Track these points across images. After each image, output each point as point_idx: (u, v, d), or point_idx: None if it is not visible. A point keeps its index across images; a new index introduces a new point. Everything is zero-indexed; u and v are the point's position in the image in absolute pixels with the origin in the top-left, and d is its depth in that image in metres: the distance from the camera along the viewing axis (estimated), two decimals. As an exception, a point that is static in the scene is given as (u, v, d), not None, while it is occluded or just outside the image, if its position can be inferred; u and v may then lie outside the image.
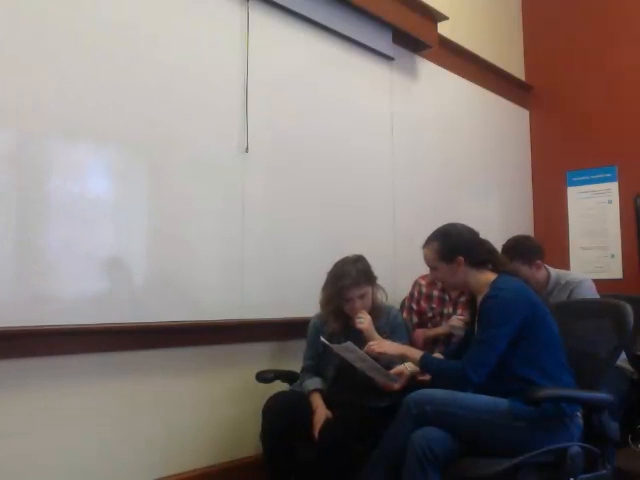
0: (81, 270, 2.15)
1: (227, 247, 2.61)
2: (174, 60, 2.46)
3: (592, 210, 4.42)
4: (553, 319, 2.04)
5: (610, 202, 4.33)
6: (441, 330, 2.73)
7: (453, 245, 2.12)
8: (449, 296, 2.81)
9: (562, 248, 4.44)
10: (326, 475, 2.12)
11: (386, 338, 2.36)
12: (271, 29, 2.85)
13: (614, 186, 4.31)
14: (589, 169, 4.42)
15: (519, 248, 2.84)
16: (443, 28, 3.70)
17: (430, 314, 2.83)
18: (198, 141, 2.52)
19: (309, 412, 2.31)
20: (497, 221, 4.21)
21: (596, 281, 2.93)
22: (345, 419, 2.21)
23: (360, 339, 2.29)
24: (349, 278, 2.37)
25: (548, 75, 4.65)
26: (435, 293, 2.84)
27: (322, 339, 2.32)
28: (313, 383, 2.42)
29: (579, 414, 1.93)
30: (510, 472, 1.75)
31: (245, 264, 2.66)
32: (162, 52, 2.43)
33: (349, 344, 2.20)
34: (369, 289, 2.43)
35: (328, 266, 2.47)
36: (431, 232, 2.20)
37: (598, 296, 2.83)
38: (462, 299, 2.74)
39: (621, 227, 4.26)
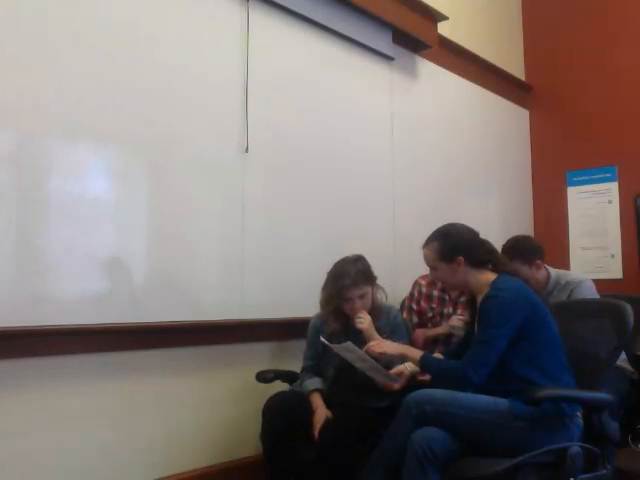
0: (81, 270, 2.16)
1: (227, 247, 2.61)
2: (174, 60, 2.46)
3: (592, 210, 4.41)
4: (553, 319, 2.04)
5: (610, 202, 4.33)
6: (441, 330, 2.73)
7: (453, 245, 2.12)
8: (449, 296, 2.81)
9: (562, 248, 4.44)
10: (326, 475, 2.12)
11: (386, 338, 2.36)
12: (271, 29, 2.85)
13: (614, 186, 4.31)
14: (589, 169, 4.42)
15: (519, 248, 2.84)
16: (443, 28, 3.70)
17: (430, 314, 2.83)
18: (198, 141, 2.52)
19: (309, 412, 2.31)
20: (497, 221, 4.20)
21: (596, 281, 2.93)
22: (345, 419, 2.21)
23: (360, 339, 2.29)
24: (349, 278, 2.37)
25: (548, 75, 4.65)
26: (435, 293, 2.84)
27: (322, 339, 2.31)
28: (313, 383, 2.42)
29: (579, 414, 1.93)
30: (510, 472, 1.75)
31: (245, 264, 2.66)
32: (162, 52, 2.43)
33: (349, 344, 2.20)
34: (369, 289, 2.43)
35: (328, 266, 2.47)
36: (431, 232, 2.20)
37: (598, 296, 2.83)
38: (462, 299, 2.74)
39: (621, 227, 4.26)
